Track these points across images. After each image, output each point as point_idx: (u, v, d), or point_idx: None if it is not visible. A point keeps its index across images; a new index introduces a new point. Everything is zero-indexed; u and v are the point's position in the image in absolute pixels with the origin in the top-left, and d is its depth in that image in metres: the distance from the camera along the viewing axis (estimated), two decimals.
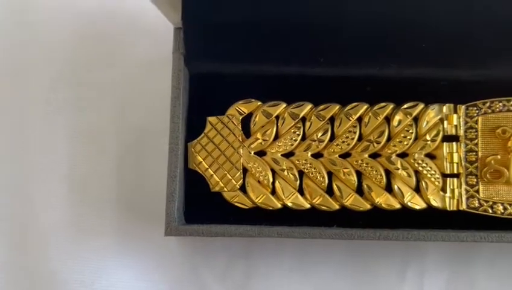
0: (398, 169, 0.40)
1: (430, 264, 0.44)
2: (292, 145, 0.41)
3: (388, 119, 0.41)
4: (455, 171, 0.40)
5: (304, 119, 0.41)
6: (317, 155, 0.41)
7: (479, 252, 0.44)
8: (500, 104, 0.41)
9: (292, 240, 0.43)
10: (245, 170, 0.41)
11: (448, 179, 0.40)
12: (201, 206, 0.41)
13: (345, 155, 0.41)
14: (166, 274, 0.43)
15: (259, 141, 0.41)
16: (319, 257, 0.44)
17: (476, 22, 0.40)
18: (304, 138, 0.41)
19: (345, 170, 0.40)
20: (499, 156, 0.40)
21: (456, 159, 0.40)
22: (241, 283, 0.44)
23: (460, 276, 0.44)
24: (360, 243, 0.43)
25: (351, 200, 0.40)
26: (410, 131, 0.40)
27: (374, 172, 0.40)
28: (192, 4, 0.36)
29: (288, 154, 0.41)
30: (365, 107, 0.41)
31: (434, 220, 0.40)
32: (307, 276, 0.44)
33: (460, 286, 0.44)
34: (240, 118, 0.41)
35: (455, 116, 0.41)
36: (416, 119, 0.41)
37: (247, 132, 0.41)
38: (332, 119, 0.41)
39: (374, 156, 0.41)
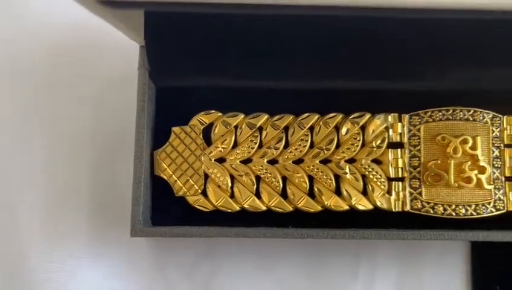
0: (347, 174, 0.44)
1: (380, 262, 0.47)
2: (250, 152, 0.44)
3: (337, 128, 0.44)
4: (400, 175, 0.44)
5: (260, 129, 0.44)
6: (272, 161, 0.44)
7: (427, 250, 0.48)
8: (440, 113, 0.44)
9: (253, 241, 0.46)
10: (206, 176, 0.44)
11: (393, 182, 0.44)
12: (167, 210, 0.45)
13: (298, 161, 0.44)
14: (136, 273, 0.47)
15: (219, 149, 0.44)
16: (278, 256, 0.47)
17: (420, 38, 0.44)
18: (260, 146, 0.44)
19: (298, 175, 0.44)
20: (439, 161, 0.44)
21: (400, 164, 0.44)
22: (206, 281, 0.47)
23: (409, 273, 0.47)
24: (317, 243, 0.47)
25: (303, 202, 0.44)
26: (358, 139, 0.44)
27: (324, 177, 0.44)
28: (153, 27, 0.40)
29: (246, 161, 0.44)
30: (316, 117, 0.44)
31: (381, 220, 0.44)
32: (267, 274, 0.47)
33: (409, 282, 0.47)
34: (202, 128, 0.44)
35: (400, 124, 0.44)
36: (363, 128, 0.44)
37: (208, 140, 0.44)
38: (286, 129, 0.44)
39: (325, 162, 0.44)
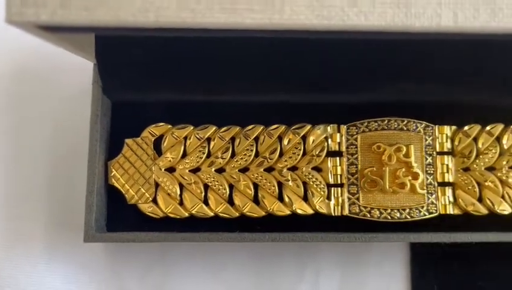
0: (289, 181, 0.47)
1: (324, 265, 0.50)
2: (198, 162, 0.47)
3: (280, 138, 0.47)
4: (339, 182, 0.47)
5: (208, 140, 0.47)
6: (220, 170, 0.47)
7: (369, 253, 0.50)
8: (376, 123, 0.47)
9: (203, 245, 0.49)
10: (157, 185, 0.47)
11: (332, 188, 0.47)
12: (121, 217, 0.47)
13: (244, 170, 0.47)
14: (91, 277, 0.49)
15: (169, 159, 0.47)
16: (227, 259, 0.50)
17: (356, 56, 0.46)
18: (208, 156, 0.47)
19: (244, 183, 0.47)
20: (375, 168, 0.47)
21: (339, 171, 0.47)
22: (159, 283, 0.49)
23: (352, 275, 0.50)
24: (263, 247, 0.50)
25: (248, 208, 0.46)
26: (299, 148, 0.47)
27: (268, 184, 0.47)
28: (103, 47, 0.43)
29: (195, 170, 0.47)
30: (261, 128, 0.47)
31: (321, 224, 0.47)
32: (216, 276, 0.50)
33: (352, 283, 0.50)
34: (153, 139, 0.47)
35: (338, 134, 0.47)
36: (304, 138, 0.47)
37: (159, 151, 0.47)
38: (233, 139, 0.47)
39: (269, 170, 0.47)
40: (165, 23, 0.29)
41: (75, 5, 0.30)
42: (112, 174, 0.47)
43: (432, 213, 0.46)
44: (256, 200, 0.47)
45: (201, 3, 0.29)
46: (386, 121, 0.47)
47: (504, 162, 0.47)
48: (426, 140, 0.47)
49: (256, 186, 0.47)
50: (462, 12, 0.30)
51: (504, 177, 0.47)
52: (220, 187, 0.47)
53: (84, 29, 0.30)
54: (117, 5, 0.29)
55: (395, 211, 0.46)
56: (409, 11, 0.30)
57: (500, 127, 0.47)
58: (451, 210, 0.47)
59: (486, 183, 0.47)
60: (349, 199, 0.47)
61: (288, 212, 0.46)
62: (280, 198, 0.46)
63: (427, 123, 0.47)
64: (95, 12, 0.29)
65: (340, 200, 0.46)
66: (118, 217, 0.47)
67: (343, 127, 0.47)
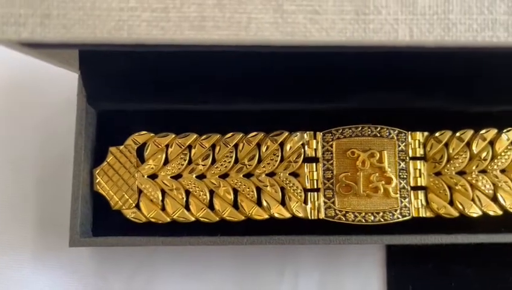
0: (267, 186, 0.48)
1: (303, 266, 0.52)
2: (179, 169, 0.49)
3: (259, 145, 0.49)
4: (315, 187, 0.49)
5: (189, 147, 0.49)
6: (201, 176, 0.49)
7: (346, 255, 0.52)
8: (350, 130, 0.49)
9: (187, 249, 0.51)
10: (140, 191, 0.48)
11: (309, 193, 0.48)
12: (106, 222, 0.49)
13: (224, 176, 0.49)
14: (78, 281, 0.51)
15: (151, 166, 0.49)
16: (210, 263, 0.52)
17: (330, 67, 0.48)
18: (189, 163, 0.49)
19: (224, 188, 0.48)
20: (349, 173, 0.48)
21: (315, 176, 0.49)
22: (144, 287, 0.51)
23: (330, 276, 0.52)
24: (244, 250, 0.51)
25: (228, 212, 0.48)
26: (277, 154, 0.49)
27: (247, 189, 0.48)
28: (86, 61, 0.45)
29: (176, 177, 0.49)
30: (240, 136, 0.49)
31: (299, 228, 0.48)
32: (199, 279, 0.51)
33: (330, 284, 0.52)
34: (136, 147, 0.49)
35: (314, 141, 0.49)
36: (282, 145, 0.49)
37: (141, 158, 0.49)
38: (213, 146, 0.49)
39: (248, 175, 0.49)
40: (137, 40, 0.31)
41: (54, 24, 0.31)
42: (97, 181, 0.48)
43: (405, 216, 0.48)
44: (235, 205, 0.48)
45: (171, 20, 0.31)
46: (360, 128, 0.49)
47: (474, 167, 0.49)
48: (399, 146, 0.49)
49: (235, 191, 0.49)
50: (417, 28, 0.32)
51: (474, 181, 0.49)
52: (201, 193, 0.48)
53: (63, 45, 0.32)
54: (93, 24, 0.31)
55: (369, 214, 0.48)
56: (367, 26, 0.32)
57: (470, 133, 0.49)
58: (423, 213, 0.48)
59: (457, 187, 0.48)
60: (325, 203, 0.48)
61: (266, 216, 0.48)
62: (259, 203, 0.48)
63: (400, 130, 0.49)
64: (73, 30, 0.31)
65: (316, 204, 0.48)
66: (104, 222, 0.49)
67: (319, 134, 0.49)
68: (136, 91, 0.48)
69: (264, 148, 0.49)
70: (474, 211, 0.48)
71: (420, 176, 0.49)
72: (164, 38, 0.31)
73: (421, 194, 0.48)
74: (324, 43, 0.32)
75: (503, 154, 0.49)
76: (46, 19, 0.31)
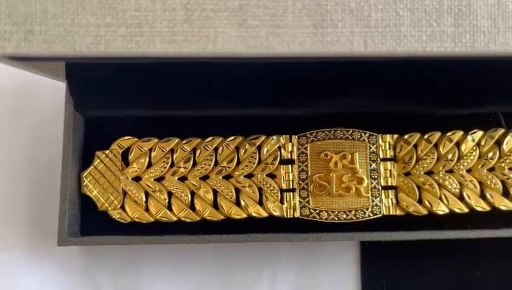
0: (245, 187, 0.51)
1: (281, 264, 0.54)
2: (162, 171, 0.51)
3: (238, 149, 0.52)
4: (291, 187, 0.51)
5: (172, 151, 0.52)
6: (182, 178, 0.51)
7: (323, 252, 0.55)
8: (323, 134, 0.52)
9: (170, 248, 0.54)
10: (125, 193, 0.51)
11: (285, 193, 0.51)
12: (94, 223, 0.52)
13: (204, 178, 0.51)
14: (68, 278, 0.54)
15: (135, 169, 0.51)
16: (193, 260, 0.54)
17: (311, 73, 0.51)
18: (172, 166, 0.52)
19: (204, 190, 0.51)
20: (323, 174, 0.51)
21: (291, 177, 0.51)
22: (130, 284, 0.54)
23: (307, 272, 0.54)
24: (225, 248, 0.54)
25: (208, 212, 0.51)
26: (255, 157, 0.51)
27: (226, 190, 0.51)
28: (72, 71, 0.48)
29: (159, 179, 0.52)
30: (220, 140, 0.52)
31: (276, 226, 0.51)
32: (183, 277, 0.54)
33: (307, 280, 0.54)
34: (121, 151, 0.52)
35: (290, 144, 0.52)
36: (259, 148, 0.52)
37: (126, 162, 0.52)
38: (194, 150, 0.52)
39: (227, 177, 0.51)
40: (113, 53, 0.34)
41: (37, 39, 0.34)
42: (84, 183, 0.51)
43: (376, 214, 0.51)
44: (215, 205, 0.51)
45: (144, 35, 0.34)
46: (332, 131, 0.52)
47: (441, 167, 0.51)
48: (370, 148, 0.52)
49: (215, 192, 0.51)
50: (371, 40, 0.35)
51: (441, 181, 0.51)
52: (182, 194, 0.51)
53: (45, 59, 0.35)
54: (72, 39, 0.34)
55: (342, 212, 0.51)
56: (325, 39, 0.35)
57: (437, 135, 0.52)
58: (394, 211, 0.51)
59: (425, 187, 0.51)
60: (300, 202, 0.51)
61: (244, 215, 0.51)
62: (237, 203, 0.51)
63: (371, 132, 0.52)
64: (54, 45, 0.34)
65: (292, 203, 0.51)
66: (91, 223, 0.52)
67: (295, 138, 0.52)
68: (121, 99, 0.51)
69: (242, 152, 0.52)
70: (442, 209, 0.51)
71: (390, 176, 0.51)
72: (138, 51, 0.34)
73: (391, 194, 0.51)
74: (285, 55, 0.35)
75: (468, 154, 0.52)
76: (29, 35, 0.34)
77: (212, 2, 0.34)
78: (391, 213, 0.51)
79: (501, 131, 0.52)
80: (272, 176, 0.51)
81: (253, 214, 0.51)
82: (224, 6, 0.34)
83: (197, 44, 0.34)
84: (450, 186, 0.51)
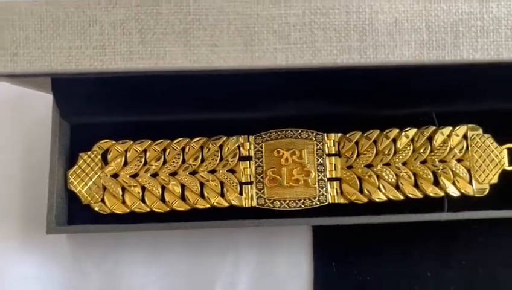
0: (209, 181, 0.59)
1: (243, 248, 0.62)
2: (136, 169, 0.59)
3: (202, 148, 0.59)
4: (249, 181, 0.58)
5: (145, 151, 0.59)
6: (154, 175, 0.59)
7: (279, 237, 0.62)
8: (276, 133, 0.59)
9: (147, 235, 0.62)
10: (104, 188, 0.59)
11: (244, 185, 0.58)
12: (78, 215, 0.59)
13: (173, 174, 0.59)
14: (57, 264, 0.61)
15: (113, 167, 0.59)
16: (165, 245, 0.62)
17: (264, 81, 0.58)
18: (145, 164, 0.59)
19: (173, 184, 0.59)
20: (275, 169, 0.58)
21: (249, 172, 0.58)
22: (112, 268, 0.61)
23: (266, 256, 0.61)
24: (194, 235, 0.62)
25: (176, 204, 0.58)
26: (217, 155, 0.59)
27: (192, 184, 0.59)
28: (57, 83, 0.55)
29: (134, 175, 0.59)
30: (186, 140, 0.59)
31: (237, 215, 0.58)
32: (158, 260, 0.61)
33: (266, 261, 0.62)
34: (101, 152, 0.59)
35: (248, 143, 0.59)
36: (221, 147, 0.59)
37: (105, 161, 0.59)
38: (164, 150, 0.59)
39: (193, 173, 0.59)
40: (83, 70, 0.42)
41: (20, 60, 0.42)
42: (70, 181, 0.59)
43: (322, 203, 0.58)
44: (183, 197, 0.59)
45: (107, 54, 0.42)
46: (284, 131, 0.59)
47: (379, 161, 0.59)
48: (317, 145, 0.59)
49: (183, 186, 0.59)
50: (291, 54, 0.42)
51: (379, 172, 0.58)
52: (154, 188, 0.59)
53: (29, 75, 0.43)
54: (50, 59, 0.42)
55: (292, 201, 0.58)
56: (254, 55, 0.42)
57: (376, 132, 0.59)
58: (338, 200, 0.58)
59: (365, 178, 0.58)
60: (256, 193, 0.58)
61: (208, 205, 0.58)
62: (202, 195, 0.59)
63: (318, 132, 0.59)
64: (35, 65, 0.42)
65: (249, 194, 0.58)
66: (77, 215, 0.59)
67: (252, 138, 0.59)
68: (100, 107, 0.59)
69: (206, 150, 0.59)
70: (380, 197, 0.58)
71: (335, 170, 0.59)
72: (102, 68, 0.42)
73: (336, 184, 0.58)
74: (222, 68, 0.43)
75: (403, 149, 0.59)
76: (14, 56, 0.42)
77: (161, 27, 0.42)
78: (336, 201, 0.58)
79: (432, 128, 0.59)
80: (232, 171, 0.59)
81: (216, 204, 0.58)
82: (172, 29, 0.42)
83: (150, 60, 0.42)
84: (387, 177, 0.58)
